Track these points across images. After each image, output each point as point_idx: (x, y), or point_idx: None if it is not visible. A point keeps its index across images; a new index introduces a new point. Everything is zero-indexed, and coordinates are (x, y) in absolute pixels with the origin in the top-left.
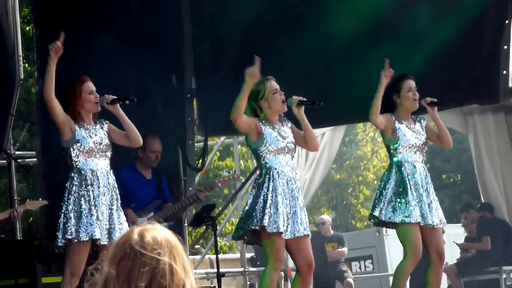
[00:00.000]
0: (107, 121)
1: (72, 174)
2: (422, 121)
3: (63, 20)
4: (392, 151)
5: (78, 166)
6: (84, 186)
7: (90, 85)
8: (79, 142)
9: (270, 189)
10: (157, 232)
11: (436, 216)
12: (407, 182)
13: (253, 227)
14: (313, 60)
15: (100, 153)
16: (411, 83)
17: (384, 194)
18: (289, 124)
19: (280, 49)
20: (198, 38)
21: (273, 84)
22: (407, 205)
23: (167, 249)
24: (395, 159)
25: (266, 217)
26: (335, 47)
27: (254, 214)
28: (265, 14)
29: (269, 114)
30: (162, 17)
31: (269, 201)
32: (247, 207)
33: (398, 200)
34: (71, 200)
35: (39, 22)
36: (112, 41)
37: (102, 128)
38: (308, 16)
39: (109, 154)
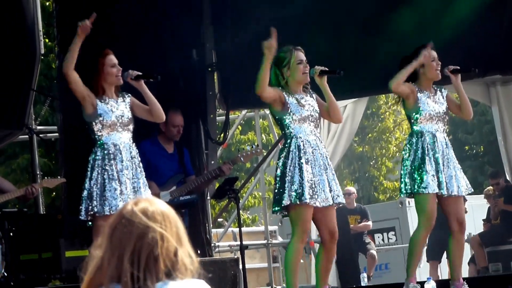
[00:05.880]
0: (130, 95)
1: (95, 148)
2: (442, 90)
3: None
4: (412, 121)
5: (101, 140)
6: (107, 160)
7: (112, 58)
8: (101, 116)
9: (295, 159)
10: (150, 202)
11: (457, 185)
12: (426, 152)
13: (284, 204)
14: (334, 31)
15: (123, 127)
16: (434, 53)
17: (405, 167)
18: (314, 96)
19: (301, 21)
20: (218, 12)
21: (300, 54)
22: (425, 176)
23: (158, 218)
24: (415, 128)
25: (292, 192)
26: (357, 17)
27: (283, 189)
28: None
29: (291, 83)
30: None
31: (294, 174)
32: (277, 183)
33: (417, 171)
34: (94, 174)
35: None
36: (133, 15)
37: (124, 101)
38: None
39: (131, 127)
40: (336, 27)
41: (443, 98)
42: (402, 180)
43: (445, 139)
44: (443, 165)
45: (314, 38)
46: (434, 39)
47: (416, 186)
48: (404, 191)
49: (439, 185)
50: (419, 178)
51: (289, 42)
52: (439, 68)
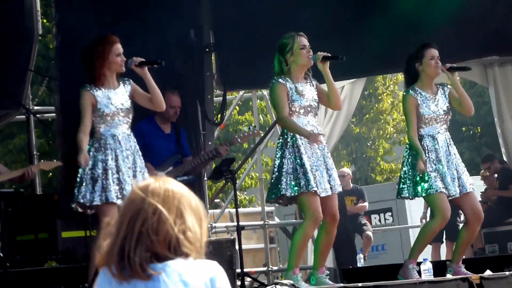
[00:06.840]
0: (131, 81)
1: (93, 139)
2: (445, 88)
3: None
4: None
5: (100, 131)
6: (103, 150)
7: (119, 48)
8: (100, 110)
9: (294, 150)
10: (156, 180)
11: (459, 184)
12: (427, 155)
13: (284, 193)
14: (331, 10)
15: (122, 117)
16: (434, 51)
17: (405, 172)
18: (314, 83)
19: (298, 1)
20: None
21: (303, 40)
22: (428, 178)
23: (157, 193)
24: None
25: (296, 182)
26: None
27: (283, 179)
28: None
29: (294, 69)
30: None
31: (295, 164)
32: (275, 173)
33: (420, 176)
34: (90, 164)
35: None
36: None
37: (124, 88)
38: None
39: (130, 117)
40: (333, 6)
41: (445, 96)
42: (402, 183)
43: (446, 139)
44: (446, 166)
45: (312, 18)
46: (430, 20)
47: (422, 190)
48: (406, 194)
49: (446, 187)
50: (422, 182)
51: (285, 22)
52: (439, 66)
